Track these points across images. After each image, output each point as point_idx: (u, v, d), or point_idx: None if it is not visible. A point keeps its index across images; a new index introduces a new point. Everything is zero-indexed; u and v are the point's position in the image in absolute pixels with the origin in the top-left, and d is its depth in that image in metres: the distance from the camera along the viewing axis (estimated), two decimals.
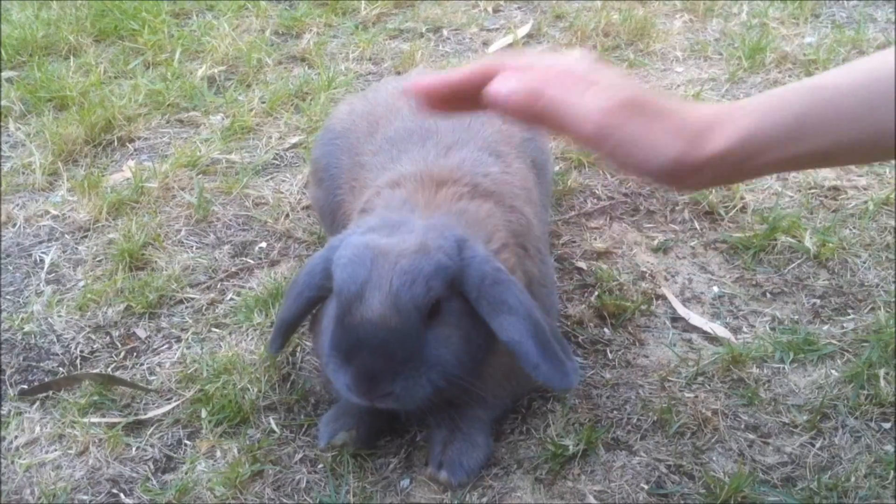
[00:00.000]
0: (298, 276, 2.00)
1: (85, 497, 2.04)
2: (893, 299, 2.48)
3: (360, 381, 1.76)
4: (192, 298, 2.60)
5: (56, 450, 2.15)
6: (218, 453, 2.12)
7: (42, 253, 2.80)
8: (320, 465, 2.08)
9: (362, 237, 1.86)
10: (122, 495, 2.04)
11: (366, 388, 1.77)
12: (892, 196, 2.84)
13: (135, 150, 3.34)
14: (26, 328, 2.50)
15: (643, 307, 2.50)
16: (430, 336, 1.80)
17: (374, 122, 2.47)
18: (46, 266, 2.73)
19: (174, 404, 2.25)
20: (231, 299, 2.60)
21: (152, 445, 2.16)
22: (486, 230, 2.03)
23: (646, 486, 2.00)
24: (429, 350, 1.79)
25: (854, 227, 2.76)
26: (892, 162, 3.00)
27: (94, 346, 2.45)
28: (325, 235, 2.78)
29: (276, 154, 3.27)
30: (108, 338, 2.47)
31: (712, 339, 2.40)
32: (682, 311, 2.49)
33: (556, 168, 3.03)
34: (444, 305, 1.83)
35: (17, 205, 3.02)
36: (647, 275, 2.62)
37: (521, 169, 2.36)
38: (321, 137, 2.63)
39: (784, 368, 2.29)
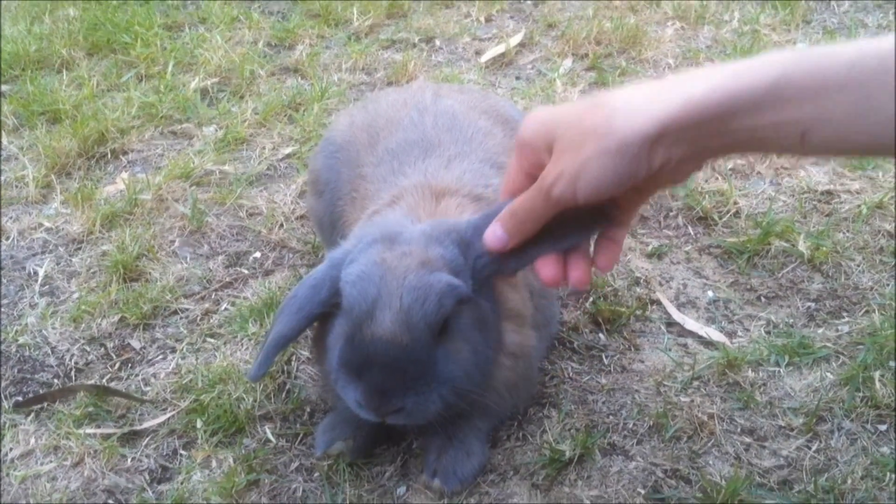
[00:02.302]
0: (297, 292, 1.98)
1: None
2: (888, 301, 2.48)
3: (370, 398, 1.76)
4: (187, 309, 2.59)
5: (51, 461, 2.14)
6: (214, 463, 2.12)
7: (36, 265, 2.79)
8: (316, 474, 2.08)
9: (370, 253, 1.85)
10: None
11: (376, 404, 1.76)
12: (885, 199, 2.85)
13: (128, 162, 3.35)
14: (21, 340, 2.49)
15: (638, 312, 2.50)
16: (440, 352, 1.80)
17: (375, 134, 2.47)
18: (40, 278, 2.73)
19: (169, 415, 2.25)
20: (225, 309, 2.59)
21: (148, 456, 2.15)
22: None
23: (642, 491, 1.99)
24: (439, 366, 1.79)
25: (848, 231, 2.77)
26: (885, 164, 3.02)
27: (89, 358, 2.44)
28: (320, 245, 2.78)
29: (270, 165, 3.27)
30: (102, 349, 2.47)
31: (707, 343, 2.40)
32: (676, 315, 2.49)
33: None
34: (453, 319, 1.82)
35: (11, 218, 3.02)
36: (641, 280, 2.62)
37: None
38: (322, 149, 2.63)
39: (779, 372, 2.29)
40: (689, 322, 2.46)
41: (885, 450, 2.06)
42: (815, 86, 1.19)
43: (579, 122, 1.36)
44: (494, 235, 1.63)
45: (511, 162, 1.58)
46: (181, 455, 2.15)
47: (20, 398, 2.32)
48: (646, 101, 1.30)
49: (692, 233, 2.81)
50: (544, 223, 1.55)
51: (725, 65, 1.27)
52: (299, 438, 2.17)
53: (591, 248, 1.61)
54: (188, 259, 2.80)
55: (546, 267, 1.61)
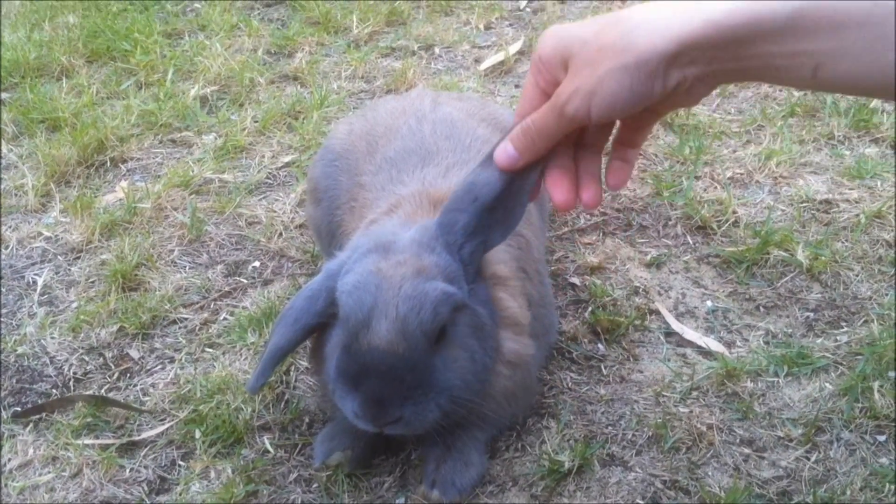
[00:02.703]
0: (294, 303, 1.98)
1: None
2: (887, 311, 2.48)
3: (368, 408, 1.76)
4: (186, 318, 2.59)
5: (50, 472, 2.14)
6: (212, 474, 2.11)
7: (35, 275, 2.79)
8: (315, 485, 2.08)
9: (365, 263, 1.85)
10: None
11: (374, 414, 1.77)
12: (884, 209, 2.85)
13: (127, 170, 3.35)
14: (19, 350, 2.49)
15: (637, 322, 2.50)
16: (437, 360, 1.80)
17: (374, 142, 2.47)
18: (39, 288, 2.73)
19: (168, 425, 2.24)
20: (224, 319, 2.59)
21: (146, 467, 2.15)
22: (488, 256, 2.02)
23: (641, 502, 1.99)
24: (436, 375, 1.79)
25: (846, 241, 2.77)
26: (884, 174, 3.02)
27: (88, 368, 2.44)
28: (318, 254, 2.78)
29: (269, 173, 3.27)
30: (101, 359, 2.47)
31: (706, 353, 2.40)
32: (675, 325, 2.49)
33: None
34: (449, 328, 1.83)
35: (10, 227, 3.02)
36: (640, 290, 2.62)
37: None
38: (321, 158, 2.63)
39: (778, 382, 2.29)
40: (688, 332, 2.46)
41: (884, 461, 2.06)
42: (835, 19, 1.20)
43: (596, 39, 1.36)
44: (505, 153, 1.62)
45: (527, 80, 1.57)
46: (180, 466, 2.15)
47: (19, 408, 2.31)
48: (665, 18, 1.30)
49: (691, 242, 2.81)
50: (556, 142, 1.54)
51: None
52: (298, 449, 2.17)
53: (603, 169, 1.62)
54: (187, 268, 2.80)
55: (558, 188, 1.60)
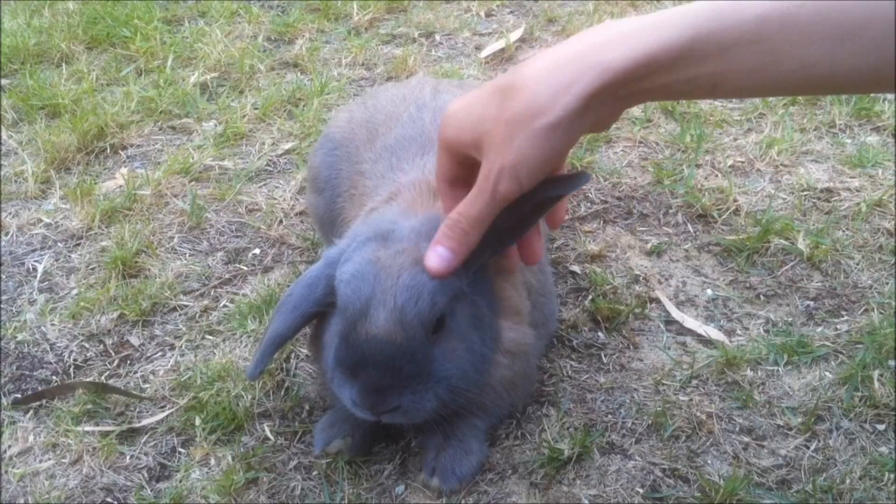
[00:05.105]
0: (293, 291, 1.98)
1: None
2: (888, 300, 2.48)
3: (366, 396, 1.76)
4: (186, 306, 2.59)
5: (50, 459, 2.14)
6: (212, 461, 2.12)
7: (35, 261, 2.79)
8: (315, 472, 2.08)
9: (364, 252, 1.85)
10: None
11: (372, 402, 1.77)
12: (885, 197, 2.85)
13: (127, 157, 3.34)
14: (19, 337, 2.49)
15: (637, 310, 2.50)
16: (435, 350, 1.80)
17: (374, 130, 2.47)
18: (39, 274, 2.73)
19: (168, 412, 2.25)
20: (225, 306, 2.59)
21: (146, 454, 2.15)
22: None
23: (641, 490, 1.99)
24: (435, 364, 1.79)
25: (847, 229, 2.76)
26: (885, 162, 3.02)
27: (88, 355, 2.44)
28: (319, 242, 2.77)
29: (270, 160, 3.26)
30: (101, 346, 2.47)
31: (706, 341, 2.40)
32: (676, 314, 2.49)
33: None
34: (448, 317, 1.83)
35: (10, 213, 3.01)
36: (640, 278, 2.62)
37: None
38: (321, 146, 2.62)
39: (778, 371, 2.29)
40: (688, 320, 2.46)
41: (884, 449, 2.07)
42: (726, 41, 1.25)
43: (503, 113, 1.39)
44: (439, 257, 1.65)
45: (437, 174, 1.59)
46: (180, 453, 2.15)
47: (19, 395, 2.32)
48: (560, 76, 1.33)
49: (691, 230, 2.81)
50: (484, 230, 1.56)
51: (637, 20, 1.33)
52: (298, 436, 2.17)
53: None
54: (187, 255, 2.80)
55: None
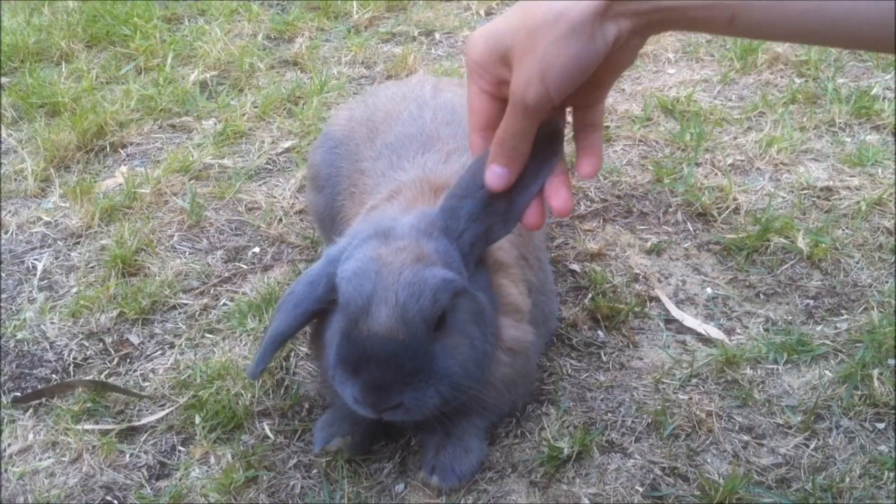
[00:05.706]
0: (294, 289, 1.98)
1: None
2: (887, 299, 2.48)
3: (368, 394, 1.76)
4: (186, 304, 2.59)
5: (49, 457, 2.14)
6: (212, 459, 2.12)
7: (34, 259, 2.79)
8: (315, 471, 2.08)
9: (365, 249, 1.85)
10: (115, 502, 2.03)
11: (374, 400, 1.77)
12: (884, 196, 2.84)
13: (127, 155, 3.34)
14: (19, 335, 2.49)
15: (637, 309, 2.50)
16: (437, 347, 1.80)
17: (374, 128, 2.47)
18: (39, 273, 2.73)
19: (168, 410, 2.24)
20: (224, 304, 2.59)
21: (146, 452, 2.15)
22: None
23: (640, 489, 1.99)
24: (436, 361, 1.79)
25: (847, 228, 2.76)
26: (885, 161, 3.02)
27: (87, 353, 2.44)
28: (318, 240, 2.77)
29: (269, 158, 3.26)
30: (101, 344, 2.46)
31: (706, 340, 2.40)
32: (675, 312, 2.49)
33: None
34: (449, 314, 1.83)
35: (10, 211, 3.01)
36: (640, 277, 2.62)
37: None
38: (321, 144, 2.62)
39: (778, 369, 2.29)
40: (688, 319, 2.46)
41: (884, 448, 2.07)
42: None
43: (525, 23, 1.39)
44: (494, 174, 1.62)
45: (469, 91, 1.58)
46: (179, 451, 2.15)
47: (18, 393, 2.31)
48: None
49: (691, 229, 2.81)
50: (532, 140, 1.55)
51: None
52: (298, 435, 2.17)
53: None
54: (187, 254, 2.80)
55: (556, 197, 1.65)
